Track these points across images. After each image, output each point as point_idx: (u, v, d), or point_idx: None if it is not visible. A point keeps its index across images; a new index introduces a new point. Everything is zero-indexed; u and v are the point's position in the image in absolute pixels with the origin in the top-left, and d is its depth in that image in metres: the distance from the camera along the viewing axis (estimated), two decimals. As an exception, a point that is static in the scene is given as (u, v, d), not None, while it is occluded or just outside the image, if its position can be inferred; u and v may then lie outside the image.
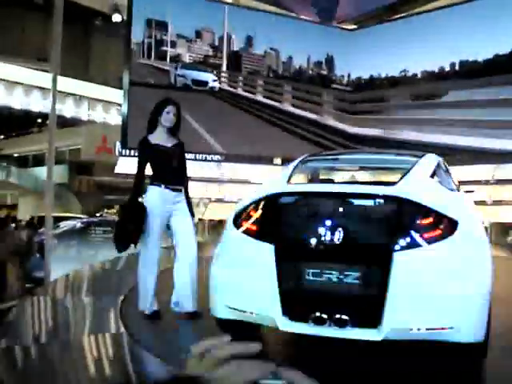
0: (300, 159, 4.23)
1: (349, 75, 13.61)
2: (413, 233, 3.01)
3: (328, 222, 3.15)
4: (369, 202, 3.26)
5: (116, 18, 14.19)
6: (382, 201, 3.24)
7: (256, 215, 3.39)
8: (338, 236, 3.07)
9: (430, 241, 2.98)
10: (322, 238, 3.12)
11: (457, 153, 10.95)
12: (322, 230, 3.13)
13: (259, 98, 13.18)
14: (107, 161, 21.10)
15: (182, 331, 4.28)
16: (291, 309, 3.11)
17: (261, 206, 3.41)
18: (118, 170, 11.12)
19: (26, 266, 8.18)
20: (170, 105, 4.56)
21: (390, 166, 4.62)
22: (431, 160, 3.98)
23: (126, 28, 11.68)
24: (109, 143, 23.87)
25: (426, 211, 3.09)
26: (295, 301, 3.14)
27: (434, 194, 3.37)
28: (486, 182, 10.66)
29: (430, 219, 3.06)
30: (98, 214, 24.74)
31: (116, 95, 21.30)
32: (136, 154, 11.18)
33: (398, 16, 12.82)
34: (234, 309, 3.33)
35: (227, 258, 3.55)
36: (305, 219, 3.35)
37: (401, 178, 3.46)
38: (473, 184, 7.61)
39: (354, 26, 13.45)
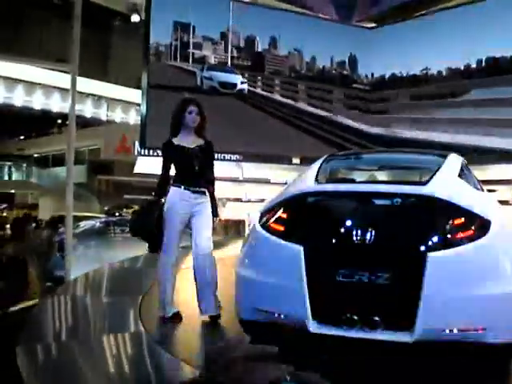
0: (323, 158, 4.18)
1: (371, 74, 13.47)
2: (446, 233, 3.01)
3: (358, 222, 3.10)
4: (400, 202, 3.20)
5: (134, 18, 14.25)
6: (413, 200, 3.22)
7: (283, 215, 3.34)
8: (369, 236, 3.02)
9: (463, 241, 2.97)
10: (353, 239, 3.06)
11: (479, 153, 10.81)
12: (352, 230, 3.08)
13: (277, 97, 13.07)
14: (126, 161, 21.26)
15: (202, 332, 4.25)
16: (321, 311, 3.07)
17: (289, 206, 3.36)
18: (136, 169, 11.16)
19: (47, 265, 8.25)
20: (192, 105, 4.50)
21: (415, 165, 4.50)
22: (456, 160, 3.95)
23: (144, 28, 11.69)
24: (128, 143, 24.06)
25: (458, 211, 3.06)
26: (325, 303, 3.09)
27: (465, 194, 3.36)
28: (509, 182, 10.48)
29: (463, 219, 3.03)
30: (117, 214, 24.91)
31: (135, 95, 21.46)
32: (155, 154, 11.32)
33: (419, 13, 12.68)
34: (262, 310, 3.29)
35: (254, 259, 3.48)
36: (334, 219, 3.30)
37: (431, 178, 3.41)
38: (495, 184, 7.48)
39: (374, 24, 13.34)
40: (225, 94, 12.28)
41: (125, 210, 28.01)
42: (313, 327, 3.06)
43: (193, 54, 12.43)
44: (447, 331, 2.92)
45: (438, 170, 3.56)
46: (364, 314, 2.97)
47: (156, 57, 11.76)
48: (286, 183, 10.78)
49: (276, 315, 3.22)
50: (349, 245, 3.08)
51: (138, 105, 12.69)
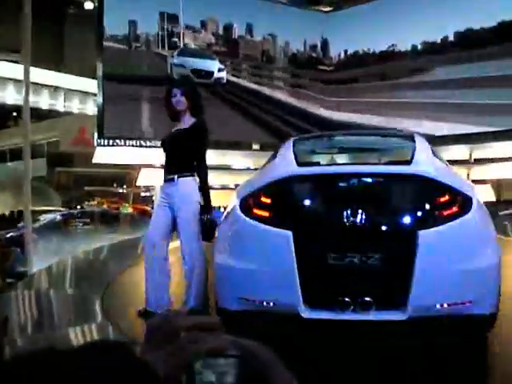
0: (292, 142, 4.04)
1: (324, 55, 13.47)
2: (434, 210, 3.05)
3: (347, 204, 3.03)
4: (387, 181, 3.22)
5: (88, 5, 13.98)
6: (400, 179, 3.23)
7: (267, 200, 3.19)
8: (359, 217, 2.98)
9: (449, 218, 3.02)
10: (342, 221, 3.01)
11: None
12: (341, 213, 3.02)
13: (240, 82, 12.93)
14: (86, 152, 20.91)
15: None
16: (313, 295, 3.02)
17: (273, 191, 3.22)
18: (95, 160, 11.02)
19: (6, 261, 8.09)
20: (174, 87, 4.18)
21: (385, 146, 4.44)
22: (424, 141, 3.98)
23: (97, 16, 11.48)
24: (87, 134, 23.63)
25: (444, 189, 3.10)
26: (317, 287, 3.05)
27: (446, 172, 3.38)
28: (465, 162, 10.77)
29: (448, 196, 3.08)
30: (78, 207, 24.55)
31: (93, 85, 21.06)
32: (114, 144, 11.19)
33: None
34: (248, 299, 3.17)
35: (237, 247, 3.33)
36: (322, 202, 3.24)
37: (412, 157, 3.41)
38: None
39: (330, 8, 13.41)
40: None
41: (86, 202, 27.59)
42: (305, 313, 3.00)
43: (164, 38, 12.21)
44: (438, 306, 2.96)
45: (414, 151, 3.54)
46: (356, 296, 2.93)
47: (114, 43, 11.51)
48: (248, 169, 10.88)
49: (264, 303, 3.12)
50: (339, 227, 3.03)
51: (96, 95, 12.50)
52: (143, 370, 0.54)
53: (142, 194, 28.65)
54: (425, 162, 3.41)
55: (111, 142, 11.21)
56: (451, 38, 11.64)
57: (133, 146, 11.30)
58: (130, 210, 24.68)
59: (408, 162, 3.35)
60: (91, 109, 28.71)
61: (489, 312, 3.04)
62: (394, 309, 2.97)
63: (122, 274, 5.68)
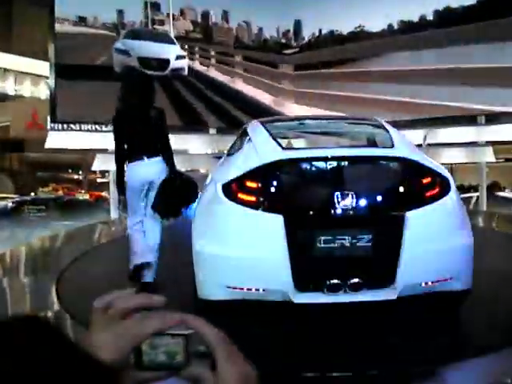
0: (261, 125, 4.03)
1: (296, 38, 13.23)
2: (419, 192, 3.17)
3: (336, 187, 3.07)
4: (374, 165, 3.30)
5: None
6: (387, 162, 3.32)
7: (253, 185, 3.15)
8: (348, 200, 3.03)
9: (432, 199, 3.15)
10: (332, 204, 3.03)
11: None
12: (330, 196, 3.05)
13: (197, 67, 12.56)
14: (38, 137, 20.39)
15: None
16: (304, 279, 3.03)
17: (260, 176, 3.17)
18: (48, 145, 10.73)
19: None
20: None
21: (355, 130, 4.49)
22: (393, 127, 4.04)
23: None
24: (40, 119, 23.05)
25: (426, 171, 3.23)
26: (308, 271, 3.05)
27: (424, 156, 3.45)
28: (418, 147, 10.97)
29: (430, 179, 3.21)
30: (32, 193, 23.97)
31: (45, 68, 20.49)
32: (68, 129, 10.94)
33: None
34: (235, 288, 3.10)
35: (222, 233, 3.22)
36: (311, 186, 3.22)
37: (392, 142, 3.48)
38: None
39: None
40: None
41: (41, 189, 26.95)
42: (296, 297, 3.01)
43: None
44: (423, 284, 3.11)
45: (391, 136, 3.63)
46: (347, 278, 3.00)
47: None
48: (207, 154, 10.81)
49: (253, 290, 3.08)
50: (328, 210, 3.06)
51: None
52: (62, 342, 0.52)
53: (98, 180, 28.19)
54: (406, 146, 3.52)
55: (65, 126, 10.93)
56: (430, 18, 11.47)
57: (88, 130, 11.06)
58: (86, 196, 24.34)
59: (391, 146, 3.43)
60: (44, 92, 27.97)
61: (466, 288, 3.23)
62: (383, 289, 3.07)
63: (76, 261, 5.59)
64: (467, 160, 11.35)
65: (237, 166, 3.42)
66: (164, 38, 10.81)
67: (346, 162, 3.26)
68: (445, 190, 3.21)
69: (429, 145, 10.68)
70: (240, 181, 3.18)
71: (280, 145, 3.44)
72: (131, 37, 10.57)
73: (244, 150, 3.70)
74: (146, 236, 4.44)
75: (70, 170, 32.88)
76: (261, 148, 3.50)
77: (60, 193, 25.27)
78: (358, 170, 3.29)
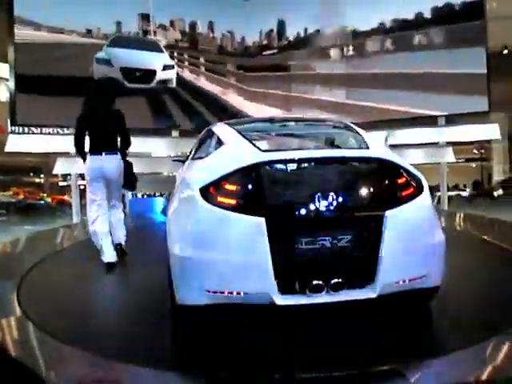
0: (230, 126, 4.05)
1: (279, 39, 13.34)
2: (396, 192, 3.26)
3: (316, 188, 3.10)
4: (353, 166, 3.34)
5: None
6: (364, 163, 3.36)
7: (232, 188, 3.12)
8: (329, 201, 3.07)
9: (408, 199, 3.26)
10: (312, 205, 3.06)
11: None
12: (310, 197, 3.07)
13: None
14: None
15: (87, 314, 4.16)
16: (286, 282, 3.04)
17: (239, 178, 3.15)
18: (8, 148, 10.52)
19: None
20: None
21: (330, 133, 4.39)
22: (361, 129, 4.11)
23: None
24: (0, 121, 22.55)
25: (401, 171, 3.33)
26: (290, 273, 3.06)
27: (398, 157, 3.50)
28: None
29: (405, 179, 3.32)
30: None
31: (5, 70, 20.05)
32: (30, 132, 10.76)
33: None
34: (215, 292, 3.10)
35: (201, 237, 3.18)
36: (291, 187, 3.20)
37: (366, 144, 3.58)
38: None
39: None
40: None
41: (1, 193, 26.39)
42: (279, 300, 3.02)
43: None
44: (401, 282, 3.19)
45: (363, 137, 3.74)
46: (329, 278, 3.05)
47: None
48: (169, 157, 10.77)
49: (234, 294, 3.07)
50: (310, 212, 3.08)
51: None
52: None
53: (61, 184, 27.72)
54: (380, 147, 3.62)
55: (26, 129, 10.75)
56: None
57: (49, 133, 10.91)
58: (47, 199, 23.91)
59: (366, 147, 3.52)
60: (5, 95, 27.35)
61: (437, 285, 3.39)
62: (363, 288, 3.13)
63: (37, 266, 5.51)
64: (428, 160, 11.60)
65: (213, 168, 3.38)
66: (151, 46, 10.34)
67: (326, 164, 3.31)
68: (419, 190, 3.33)
69: (390, 146, 10.85)
70: (218, 184, 3.16)
71: (257, 147, 3.45)
72: (114, 45, 10.06)
73: (218, 152, 3.67)
74: (113, 225, 5.85)
75: (31, 174, 32.33)
76: (238, 150, 3.50)
77: (21, 197, 24.84)
78: (337, 171, 3.31)
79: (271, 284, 3.01)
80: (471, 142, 14.42)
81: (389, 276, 3.14)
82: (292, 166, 3.24)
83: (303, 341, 3.16)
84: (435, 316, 3.59)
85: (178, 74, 11.81)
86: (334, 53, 12.19)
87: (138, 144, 8.42)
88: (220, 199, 3.11)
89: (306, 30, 12.53)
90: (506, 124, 20.22)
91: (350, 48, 12.00)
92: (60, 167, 10.93)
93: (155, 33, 11.71)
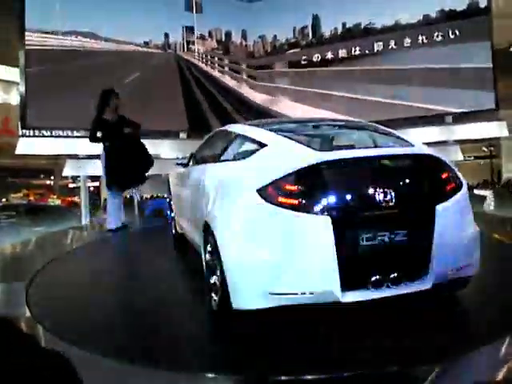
0: (262, 126, 4.06)
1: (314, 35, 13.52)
2: (442, 187, 3.41)
3: (374, 186, 3.16)
4: (404, 163, 3.49)
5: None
6: (414, 160, 3.49)
7: (293, 188, 3.11)
8: (386, 197, 3.15)
9: (452, 193, 3.41)
10: (372, 202, 3.14)
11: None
12: (369, 194, 3.15)
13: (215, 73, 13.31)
14: (10, 143, 20.14)
15: (94, 317, 4.20)
16: (349, 278, 3.07)
17: (300, 179, 3.13)
18: (18, 151, 10.65)
19: None
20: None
21: (366, 133, 4.32)
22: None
23: (19, 3, 11.05)
24: (11, 125, 22.76)
25: (445, 167, 3.48)
26: (352, 269, 3.09)
27: (439, 153, 3.64)
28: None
29: (447, 174, 3.46)
30: (3, 199, 23.64)
31: (17, 74, 20.24)
32: (40, 135, 10.86)
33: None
34: (281, 294, 3.06)
35: (267, 238, 3.13)
36: (351, 186, 3.25)
37: (408, 141, 3.71)
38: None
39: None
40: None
41: (12, 195, 26.61)
42: (344, 297, 3.05)
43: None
44: (450, 272, 3.35)
45: (399, 135, 3.90)
46: (388, 273, 3.14)
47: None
48: (177, 158, 10.82)
49: (299, 295, 3.05)
50: (369, 208, 3.16)
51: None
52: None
53: (70, 186, 27.93)
54: (421, 144, 3.74)
55: (36, 132, 10.86)
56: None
57: (59, 136, 11.00)
58: (57, 201, 24.08)
59: (411, 145, 3.64)
60: (16, 98, 27.57)
61: (475, 273, 3.55)
62: (419, 280, 3.25)
63: (46, 268, 5.58)
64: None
65: (266, 169, 3.32)
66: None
67: (382, 161, 3.42)
68: (460, 184, 3.49)
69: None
70: (277, 184, 3.14)
71: (312, 147, 3.46)
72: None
73: (263, 153, 3.59)
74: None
75: (41, 176, 32.59)
76: (290, 151, 3.47)
77: (31, 199, 25.03)
78: (392, 168, 3.46)
79: (336, 282, 3.03)
80: (480, 140, 14.32)
81: (441, 266, 3.27)
82: (351, 165, 3.31)
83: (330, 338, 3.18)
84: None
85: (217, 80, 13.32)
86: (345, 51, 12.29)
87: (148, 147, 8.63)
88: (281, 199, 3.10)
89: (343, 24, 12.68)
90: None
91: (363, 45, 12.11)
92: (69, 169, 11.03)
93: (194, 43, 13.38)
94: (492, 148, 31.84)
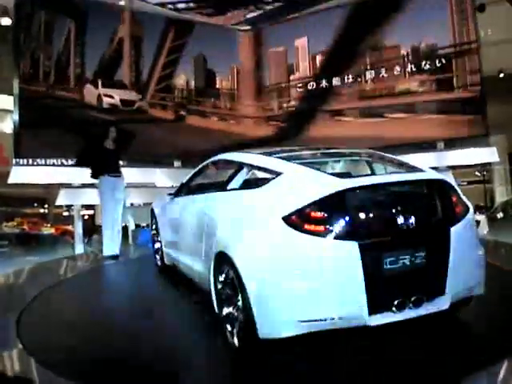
0: (272, 155, 4.09)
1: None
2: (453, 209, 3.55)
3: (394, 210, 3.31)
4: (419, 187, 3.64)
5: (5, 21, 13.57)
6: (427, 185, 3.62)
7: (318, 215, 3.15)
8: (407, 221, 3.26)
9: (462, 215, 3.56)
10: (393, 226, 3.25)
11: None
12: (391, 218, 3.26)
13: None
14: (4, 171, 20.10)
15: (88, 347, 4.14)
16: (375, 302, 3.12)
17: (324, 206, 3.17)
18: (11, 180, 10.64)
19: None
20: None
21: (357, 158, 4.57)
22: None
23: (14, 32, 11.22)
24: (5, 153, 22.74)
25: (453, 190, 3.65)
26: (377, 292, 3.14)
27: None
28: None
29: (455, 197, 3.63)
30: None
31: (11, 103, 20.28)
32: (35, 163, 10.85)
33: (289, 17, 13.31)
34: (310, 320, 3.08)
35: (294, 264, 3.14)
36: (372, 211, 3.33)
37: (417, 167, 3.85)
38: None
39: (248, 27, 13.76)
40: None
41: (5, 223, 26.44)
42: (371, 320, 3.11)
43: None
44: (462, 291, 3.48)
45: (406, 161, 4.04)
46: (410, 294, 3.21)
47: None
48: (172, 187, 10.84)
49: (328, 321, 3.08)
50: (392, 232, 3.27)
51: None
52: None
53: (65, 214, 27.82)
54: (430, 169, 3.88)
55: (30, 161, 10.88)
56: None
57: (54, 164, 11.00)
58: (51, 230, 23.98)
59: (421, 170, 3.78)
60: (10, 127, 27.59)
61: (483, 291, 3.67)
62: (437, 300, 3.33)
63: (38, 298, 5.52)
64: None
65: (289, 197, 3.34)
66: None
67: (401, 187, 3.56)
68: (467, 208, 3.65)
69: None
70: (303, 211, 3.17)
71: (332, 174, 3.53)
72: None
73: (281, 181, 3.58)
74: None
75: (35, 204, 32.47)
76: (312, 178, 3.48)
77: (25, 227, 24.90)
78: (411, 192, 3.61)
79: (364, 306, 3.10)
80: (471, 166, 14.46)
81: (456, 287, 3.38)
82: (372, 191, 3.42)
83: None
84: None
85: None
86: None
87: (143, 175, 8.72)
88: (308, 226, 3.13)
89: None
90: (506, 145, 20.27)
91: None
92: (63, 198, 11.01)
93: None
94: (485, 173, 32.01)
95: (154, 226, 6.77)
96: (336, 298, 3.10)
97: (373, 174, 4.14)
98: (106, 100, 11.66)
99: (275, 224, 3.20)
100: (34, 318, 4.77)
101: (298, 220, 3.15)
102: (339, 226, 3.13)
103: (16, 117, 10.53)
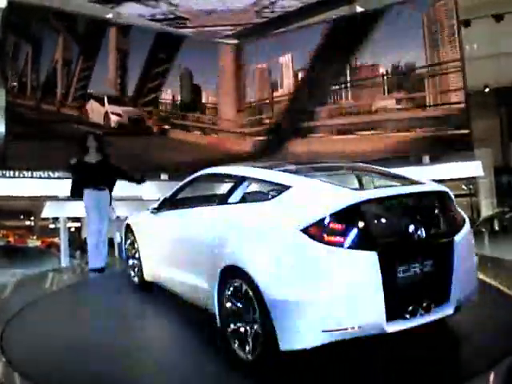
0: (274, 171, 4.11)
1: None
2: (454, 219, 3.78)
3: (406, 220, 3.47)
4: (425, 199, 3.80)
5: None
6: (434, 196, 3.83)
7: (337, 226, 3.20)
8: (418, 230, 3.44)
9: (461, 225, 3.79)
10: (407, 236, 3.42)
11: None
12: (404, 228, 3.43)
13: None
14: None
15: (72, 361, 4.11)
16: (391, 309, 3.23)
17: (343, 217, 3.23)
18: (-3, 192, 10.60)
19: None
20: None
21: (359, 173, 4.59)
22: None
23: (0, 44, 11.21)
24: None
25: (452, 201, 3.88)
26: (393, 300, 3.24)
27: None
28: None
29: (454, 208, 3.87)
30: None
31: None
32: (16, 175, 10.81)
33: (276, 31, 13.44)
34: (332, 330, 3.15)
35: (315, 275, 3.19)
36: (386, 221, 3.48)
37: (414, 179, 4.04)
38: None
39: (236, 41, 13.88)
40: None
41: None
42: (388, 327, 3.22)
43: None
44: (462, 297, 3.63)
45: (400, 175, 4.25)
46: (421, 301, 3.37)
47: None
48: (158, 199, 10.84)
49: (349, 329, 3.16)
50: (405, 242, 3.44)
51: None
52: None
53: (51, 226, 27.63)
54: (431, 182, 4.06)
55: (17, 173, 10.83)
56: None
57: (40, 177, 10.96)
58: (37, 242, 23.76)
59: (421, 182, 3.96)
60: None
61: (475, 297, 3.85)
62: (443, 306, 3.52)
63: (23, 311, 5.48)
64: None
65: (305, 209, 3.37)
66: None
67: (413, 198, 3.74)
68: (464, 218, 3.91)
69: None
70: (322, 223, 3.21)
71: (346, 187, 3.58)
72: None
73: (292, 194, 3.60)
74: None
75: (21, 217, 32.21)
76: (327, 191, 3.53)
77: (10, 240, 24.65)
78: (420, 203, 3.76)
79: (383, 314, 3.21)
80: (457, 179, 14.64)
81: (458, 292, 3.56)
82: (387, 202, 3.57)
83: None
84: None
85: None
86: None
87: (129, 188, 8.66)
88: (327, 238, 3.19)
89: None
90: (491, 159, 20.51)
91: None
92: (49, 210, 10.96)
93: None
94: (471, 186, 32.29)
95: (128, 242, 6.50)
96: (358, 306, 3.19)
97: (376, 186, 4.19)
98: (113, 118, 11.67)
99: (295, 236, 3.24)
100: (19, 331, 4.72)
101: (318, 231, 3.20)
102: (359, 236, 3.22)
103: (2, 129, 10.48)
